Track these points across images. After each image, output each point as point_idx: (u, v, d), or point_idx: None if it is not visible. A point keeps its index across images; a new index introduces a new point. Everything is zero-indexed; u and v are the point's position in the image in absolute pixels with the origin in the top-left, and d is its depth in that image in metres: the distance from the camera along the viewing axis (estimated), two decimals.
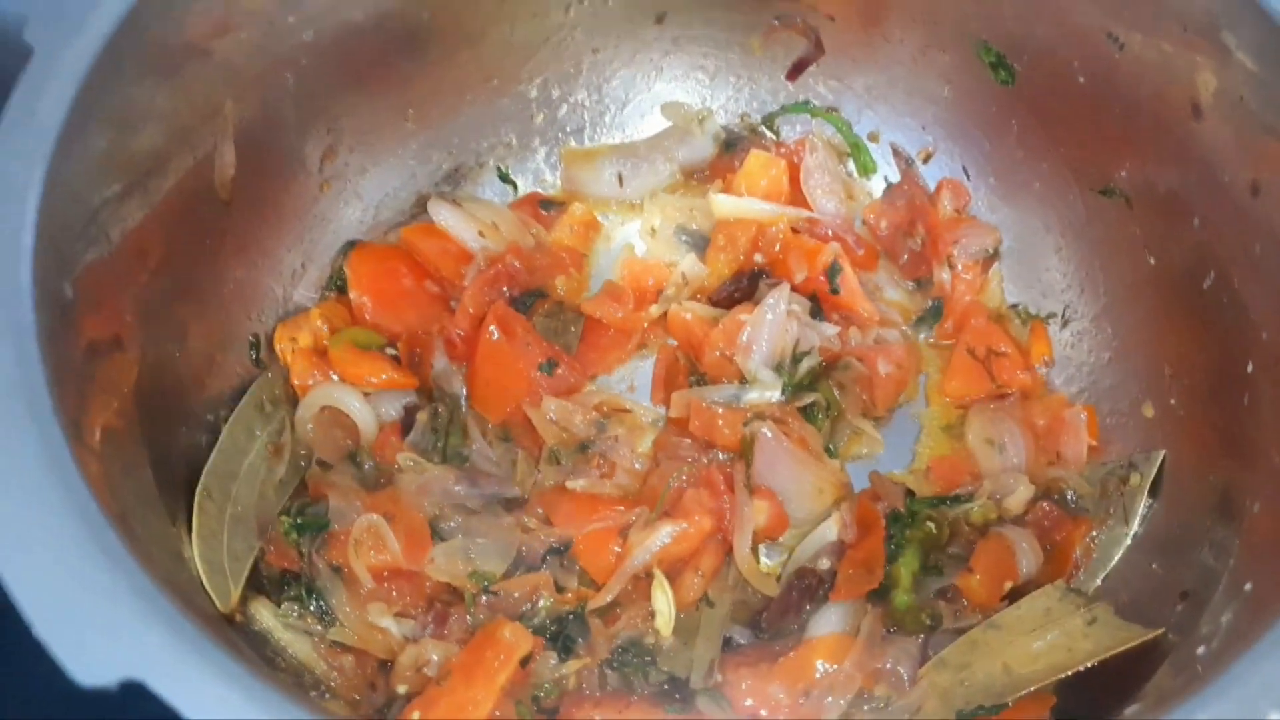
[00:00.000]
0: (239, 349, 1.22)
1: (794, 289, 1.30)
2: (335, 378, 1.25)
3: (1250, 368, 1.00)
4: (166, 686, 0.60)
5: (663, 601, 1.09)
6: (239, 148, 1.13)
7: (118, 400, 0.93)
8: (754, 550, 1.14)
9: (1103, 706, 0.94)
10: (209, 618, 0.93)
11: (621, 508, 1.17)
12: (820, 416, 1.21)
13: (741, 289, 1.33)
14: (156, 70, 0.96)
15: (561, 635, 1.08)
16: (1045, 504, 1.19)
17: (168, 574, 0.77)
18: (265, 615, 1.08)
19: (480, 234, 1.37)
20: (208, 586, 0.99)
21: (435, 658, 1.06)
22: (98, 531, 0.67)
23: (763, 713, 1.04)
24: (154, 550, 0.81)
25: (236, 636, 0.98)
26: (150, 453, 0.97)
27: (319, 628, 1.09)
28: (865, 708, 1.05)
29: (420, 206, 1.41)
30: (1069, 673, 1.01)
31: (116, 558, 0.66)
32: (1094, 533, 1.16)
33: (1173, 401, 1.16)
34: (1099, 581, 1.13)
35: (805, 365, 1.22)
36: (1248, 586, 0.85)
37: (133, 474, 0.93)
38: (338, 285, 1.33)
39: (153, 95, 0.97)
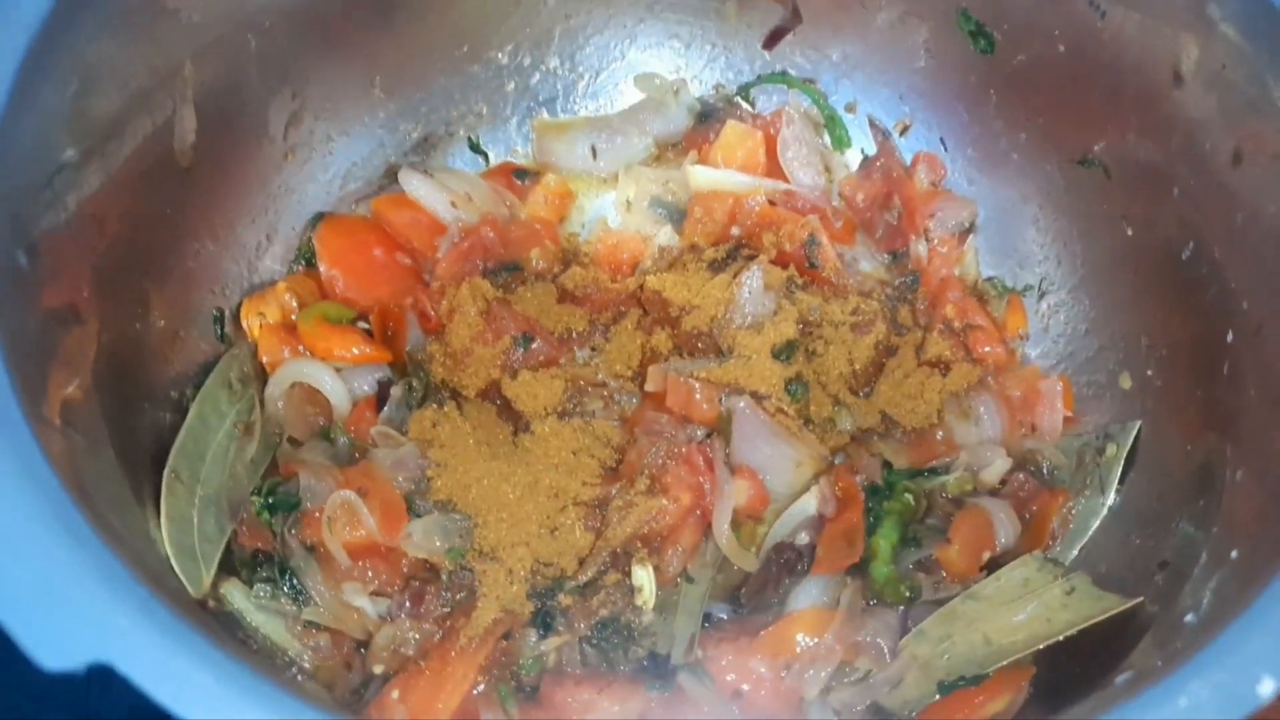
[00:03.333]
0: (203, 324, 1.19)
1: (772, 262, 1.28)
2: (305, 353, 1.22)
3: (1230, 337, 1.00)
4: (136, 669, 0.57)
5: (644, 578, 1.08)
6: (200, 113, 1.09)
7: (77, 375, 0.89)
8: (734, 526, 1.13)
9: (1082, 676, 0.95)
10: (180, 599, 0.90)
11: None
12: (799, 389, 1.20)
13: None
14: (113, 28, 0.92)
15: (541, 612, 1.07)
16: (1021, 475, 1.20)
17: (136, 554, 0.75)
18: (237, 596, 1.05)
19: (453, 205, 1.34)
20: (179, 572, 0.96)
21: (413, 637, 1.04)
22: (61, 509, 0.64)
23: (744, 687, 1.03)
24: (121, 529, 0.78)
25: (208, 620, 0.95)
26: (113, 431, 0.94)
27: (293, 608, 1.06)
28: (846, 680, 1.05)
29: (390, 177, 1.38)
30: (1048, 643, 1.01)
31: (82, 537, 0.63)
32: (1070, 503, 1.17)
33: (1150, 372, 1.16)
34: (1076, 552, 1.14)
35: (784, 338, 1.20)
36: (1234, 554, 0.85)
37: (96, 451, 0.89)
38: (306, 258, 1.30)
39: (109, 54, 0.93)
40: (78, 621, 0.59)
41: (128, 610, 0.60)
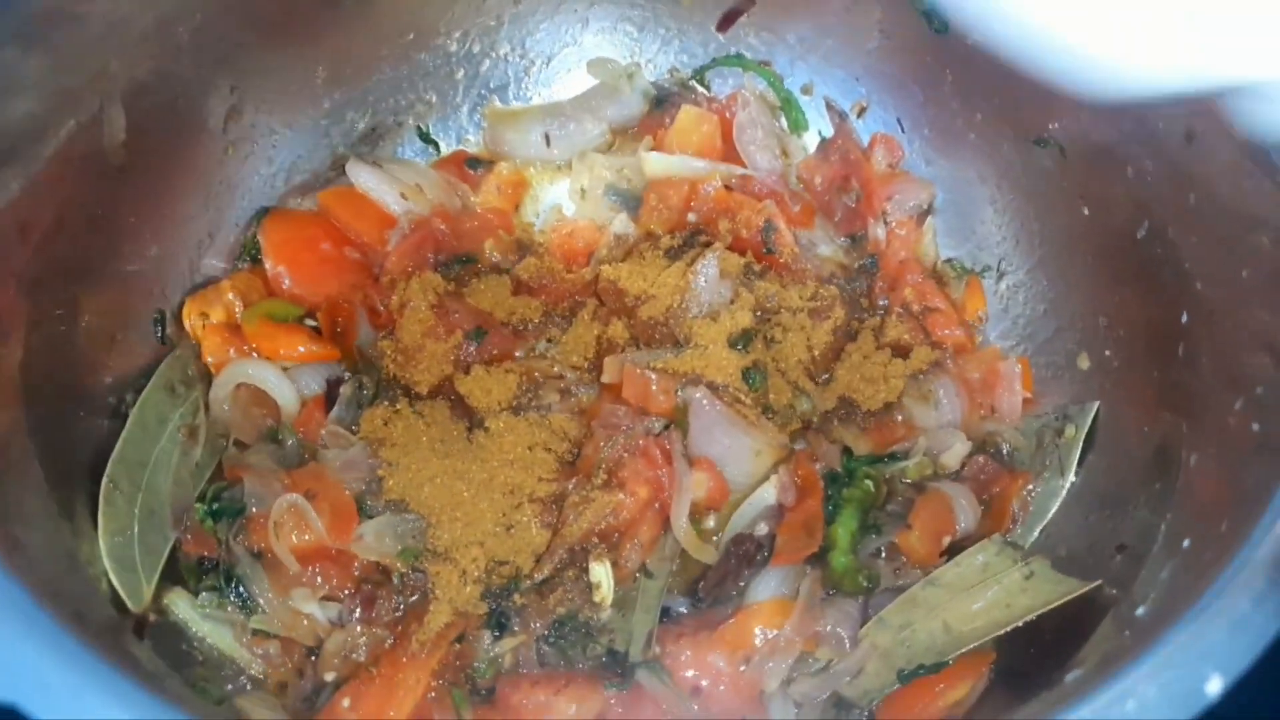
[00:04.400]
0: (142, 327, 1.15)
1: (729, 248, 1.26)
2: (251, 353, 1.19)
3: (1185, 318, 1.00)
4: (42, 709, 0.54)
5: (601, 574, 1.07)
6: (130, 109, 1.06)
7: None
8: (693, 518, 1.11)
9: (1043, 662, 0.94)
10: (102, 628, 0.87)
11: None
12: (757, 377, 1.19)
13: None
14: (22, 37, 0.88)
15: (495, 612, 1.05)
16: (981, 458, 1.19)
17: (53, 582, 0.72)
18: (181, 606, 1.03)
19: (403, 196, 1.31)
20: (117, 586, 0.93)
21: (364, 643, 1.02)
22: None
23: (703, 682, 1.02)
24: (39, 556, 0.75)
25: (140, 644, 0.92)
26: (39, 445, 0.90)
27: (240, 616, 1.04)
28: (807, 671, 1.04)
29: (337, 169, 1.34)
30: (1008, 628, 1.01)
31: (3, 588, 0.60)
32: (1030, 486, 1.16)
33: (1108, 353, 1.15)
34: (1036, 535, 1.13)
35: (741, 326, 1.19)
36: (1186, 543, 0.84)
37: (17, 471, 0.86)
38: (251, 255, 1.27)
39: (21, 62, 0.89)
40: None
41: (35, 645, 0.57)
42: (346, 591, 1.06)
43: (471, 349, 1.22)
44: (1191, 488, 0.91)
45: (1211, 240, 0.97)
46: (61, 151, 0.97)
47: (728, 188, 1.33)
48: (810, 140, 1.42)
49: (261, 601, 1.04)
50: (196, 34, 1.12)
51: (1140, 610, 0.81)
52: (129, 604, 0.94)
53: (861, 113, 1.39)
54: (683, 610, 1.09)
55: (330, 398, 1.19)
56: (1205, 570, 0.70)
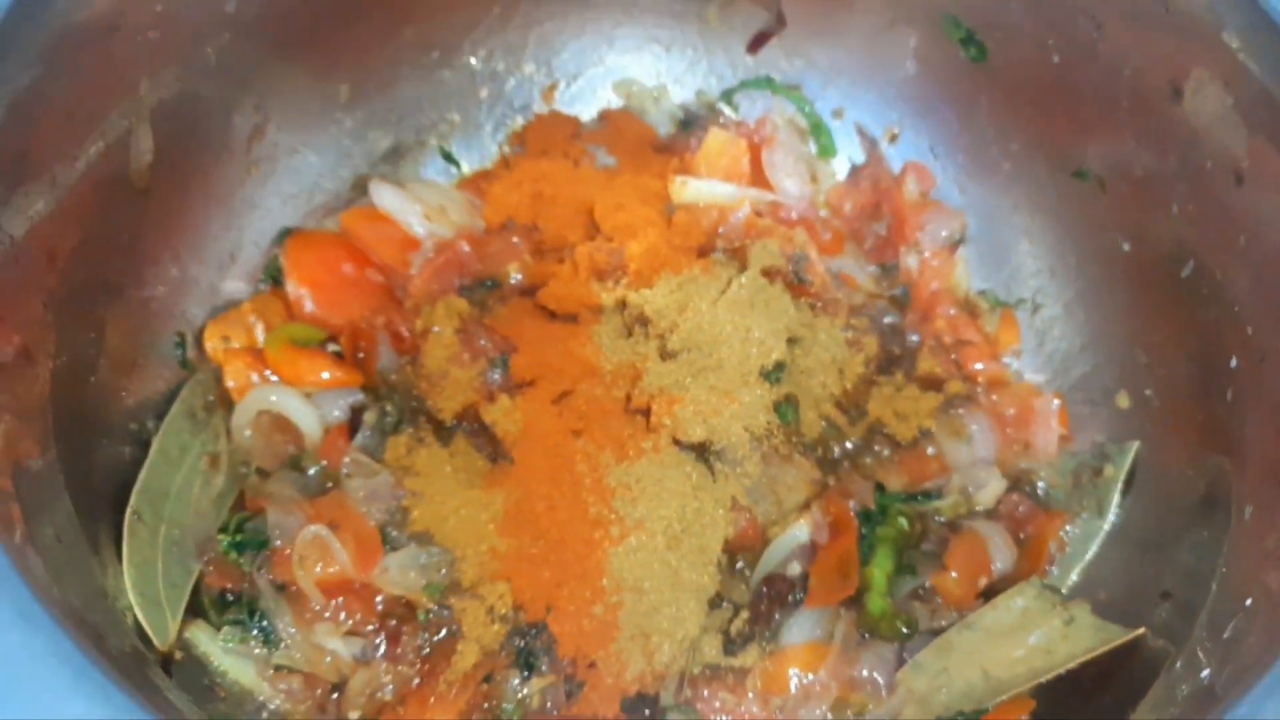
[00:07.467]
0: (163, 350, 1.13)
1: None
2: (273, 378, 1.17)
3: (1234, 362, 0.98)
4: None
5: None
6: (157, 131, 1.03)
7: (25, 421, 0.83)
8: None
9: (1085, 711, 0.92)
10: (129, 661, 0.84)
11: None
12: (788, 411, 1.16)
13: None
14: (53, 57, 0.86)
15: (523, 651, 1.02)
16: (1015, 495, 1.17)
17: (82, 614, 0.69)
18: (203, 640, 1.01)
19: (427, 218, 1.29)
20: (143, 622, 0.91)
21: (390, 681, 1.00)
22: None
23: None
24: (69, 590, 0.72)
25: (166, 679, 0.89)
26: (68, 476, 0.88)
27: (263, 651, 1.02)
28: (843, 717, 1.02)
29: (359, 189, 1.32)
30: (1049, 676, 0.99)
31: (36, 623, 0.58)
32: (1068, 525, 1.14)
33: (1149, 392, 1.13)
34: (1075, 576, 1.11)
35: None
36: (1249, 602, 0.82)
37: (47, 507, 0.83)
38: (272, 277, 1.25)
39: (52, 83, 0.86)
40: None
41: (64, 677, 0.55)
42: (370, 627, 1.04)
43: (496, 376, 1.19)
44: (1246, 544, 0.89)
45: (1262, 284, 0.95)
46: (89, 174, 0.95)
47: (757, 213, 1.31)
48: (840, 166, 1.40)
49: (284, 636, 1.01)
50: (223, 54, 1.10)
51: (1205, 673, 0.78)
52: (155, 641, 0.91)
53: (894, 139, 1.37)
54: (714, 652, 1.06)
55: (354, 425, 1.16)
56: (1277, 637, 0.68)
